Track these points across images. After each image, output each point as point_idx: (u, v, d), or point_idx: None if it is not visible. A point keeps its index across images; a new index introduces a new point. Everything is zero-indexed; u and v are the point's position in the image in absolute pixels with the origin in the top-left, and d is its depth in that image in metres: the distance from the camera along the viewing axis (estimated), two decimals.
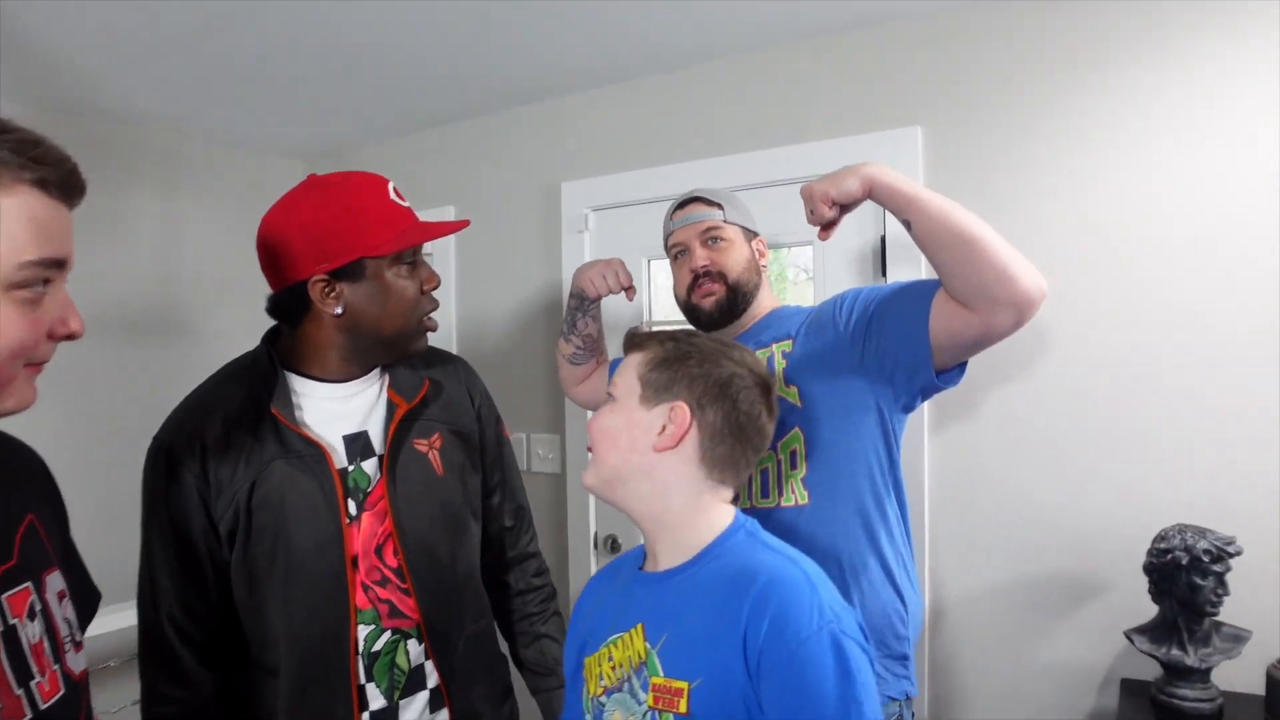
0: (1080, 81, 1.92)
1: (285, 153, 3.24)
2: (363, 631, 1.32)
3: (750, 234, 1.77)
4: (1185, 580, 1.64)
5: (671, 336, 1.16)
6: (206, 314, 3.00)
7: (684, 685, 0.98)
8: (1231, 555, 1.63)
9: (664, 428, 1.09)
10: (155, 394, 2.72)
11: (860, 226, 2.17)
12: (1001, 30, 2.00)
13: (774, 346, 1.64)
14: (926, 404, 1.64)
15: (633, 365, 1.14)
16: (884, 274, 2.13)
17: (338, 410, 1.37)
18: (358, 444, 1.37)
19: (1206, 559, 1.62)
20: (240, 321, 2.93)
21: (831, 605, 0.96)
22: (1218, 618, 1.67)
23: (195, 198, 3.00)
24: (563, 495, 2.69)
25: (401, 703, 1.36)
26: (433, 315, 1.40)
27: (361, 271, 1.29)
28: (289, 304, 1.33)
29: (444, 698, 1.40)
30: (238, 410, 1.31)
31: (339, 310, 1.30)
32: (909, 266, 2.09)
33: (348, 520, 1.31)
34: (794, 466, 1.55)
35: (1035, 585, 1.95)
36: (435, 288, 1.37)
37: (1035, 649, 1.96)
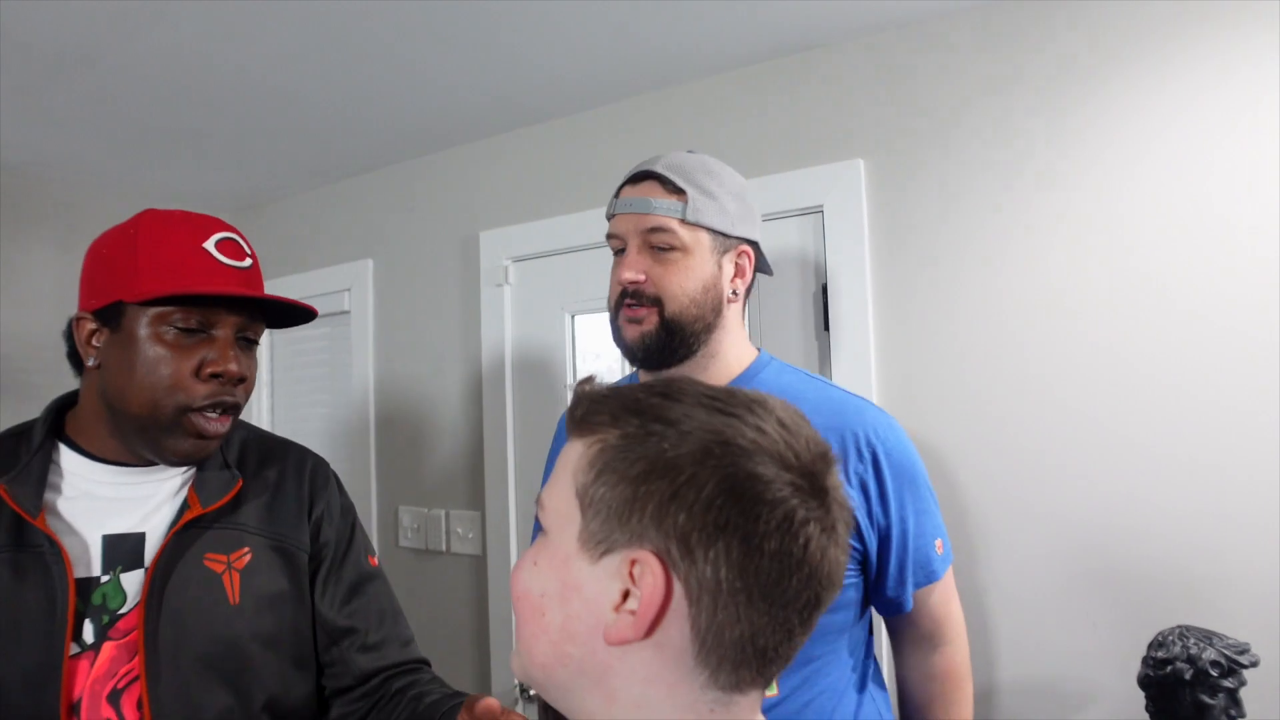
0: (1027, 112, 1.65)
1: (197, 206, 3.00)
2: None
3: (728, 242, 1.24)
4: (1189, 699, 1.32)
5: (635, 399, 0.63)
6: None
7: None
8: (1246, 667, 1.31)
9: (622, 599, 0.59)
10: None
11: (802, 271, 1.90)
12: (945, 60, 1.75)
13: None
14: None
15: (569, 464, 0.64)
16: (826, 327, 1.84)
17: (108, 500, 1.06)
18: (122, 549, 1.04)
19: (1216, 672, 1.30)
20: None
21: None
22: None
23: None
24: (484, 579, 2.37)
25: None
26: (212, 416, 1.04)
27: (119, 320, 1.02)
28: (70, 347, 1.10)
29: None
30: (18, 477, 1.03)
31: (93, 362, 1.04)
32: (852, 319, 1.81)
33: (75, 649, 0.98)
34: None
35: (1006, 689, 1.62)
36: (225, 376, 1.04)
37: None
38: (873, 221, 1.82)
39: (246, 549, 1.11)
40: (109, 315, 1.03)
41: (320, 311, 1.21)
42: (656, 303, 1.19)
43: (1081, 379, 1.60)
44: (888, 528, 1.18)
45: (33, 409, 2.60)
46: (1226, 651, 1.32)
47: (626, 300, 1.22)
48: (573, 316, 2.23)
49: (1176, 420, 1.52)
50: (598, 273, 2.18)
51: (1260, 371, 1.45)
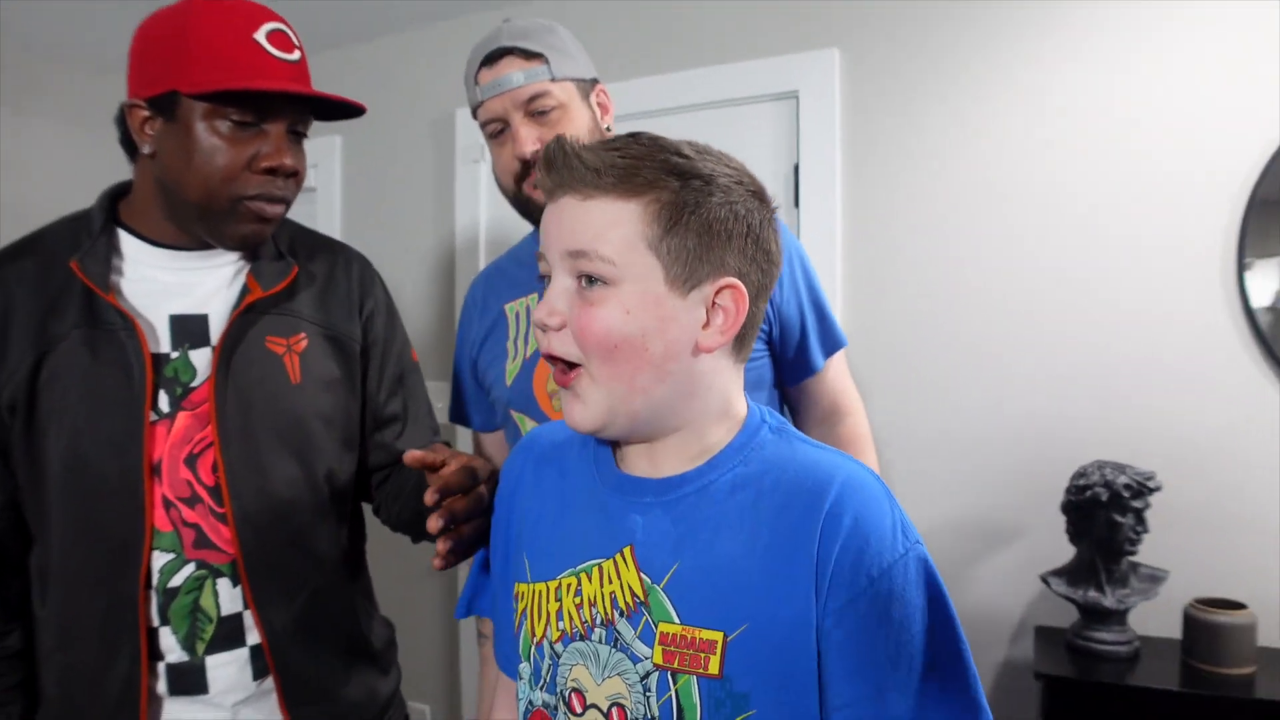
0: (997, 19, 1.81)
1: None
2: (158, 560, 1.06)
3: (587, 85, 1.33)
4: (1104, 518, 1.56)
5: (670, 170, 0.73)
6: None
7: (717, 636, 0.70)
8: (1151, 490, 1.55)
9: (708, 317, 0.73)
10: None
11: (775, 153, 2.04)
12: None
13: None
14: (847, 347, 1.49)
15: (627, 224, 0.72)
16: (796, 204, 2.00)
17: (169, 283, 1.11)
18: (189, 328, 1.11)
19: (1127, 494, 1.54)
20: None
21: (911, 524, 0.74)
22: (1135, 558, 1.60)
23: (14, 114, 2.66)
24: (453, 445, 2.49)
25: (209, 659, 1.08)
26: (268, 206, 1.08)
27: (173, 110, 1.05)
28: (123, 133, 1.11)
29: (268, 662, 1.11)
30: (38, 267, 1.07)
31: (148, 149, 1.07)
32: (822, 197, 1.97)
33: (154, 416, 1.06)
34: None
35: (950, 528, 1.85)
36: (279, 170, 1.07)
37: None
38: (844, 109, 1.97)
39: (303, 334, 1.17)
40: (163, 104, 1.04)
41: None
42: None
43: (1016, 259, 1.80)
44: (789, 304, 1.29)
45: None
46: (1136, 478, 1.56)
47: (531, 171, 1.24)
48: None
49: (1097, 290, 1.74)
50: None
51: (1180, 315, 1.68)
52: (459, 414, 1.50)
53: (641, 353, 0.72)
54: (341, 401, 1.21)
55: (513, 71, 1.26)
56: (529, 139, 1.25)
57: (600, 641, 0.75)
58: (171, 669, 1.08)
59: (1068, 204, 1.77)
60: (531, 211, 1.31)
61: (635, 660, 0.73)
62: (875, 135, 1.94)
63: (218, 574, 1.09)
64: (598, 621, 0.75)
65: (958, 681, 0.70)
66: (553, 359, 0.76)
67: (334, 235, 2.68)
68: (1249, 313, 1.65)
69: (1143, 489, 1.55)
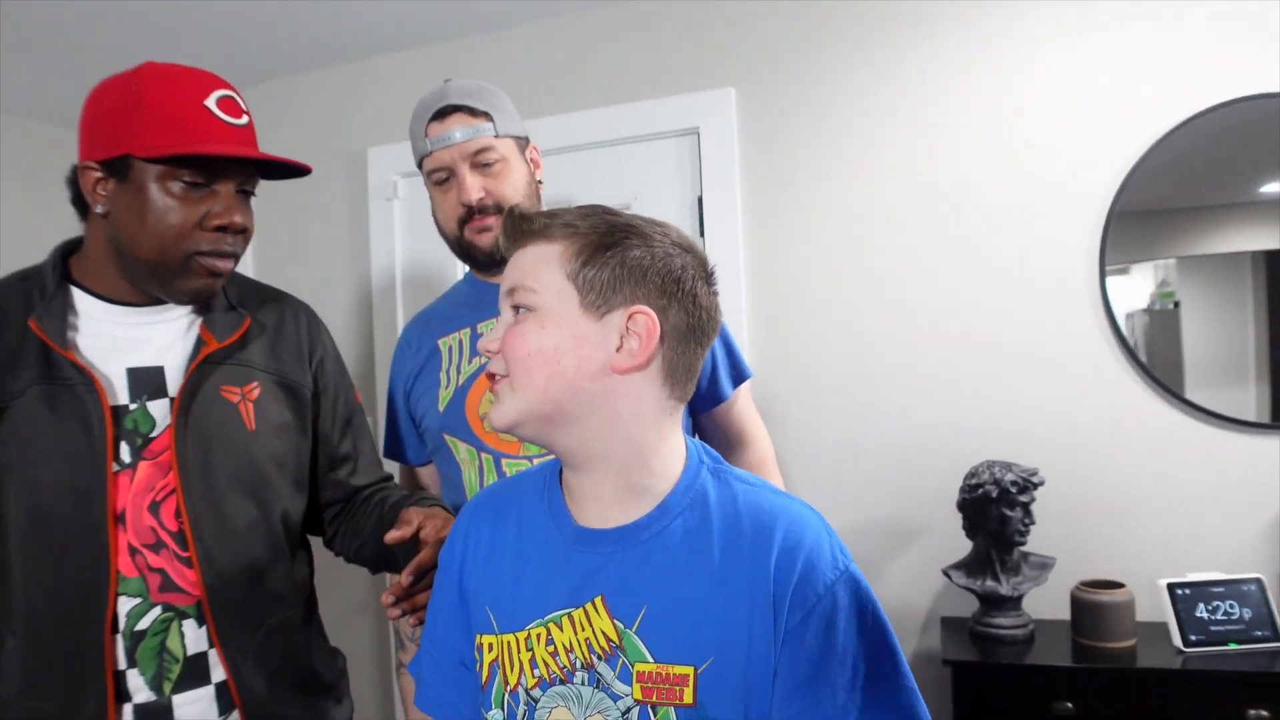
0: (894, 40, 1.97)
1: (56, 121, 2.87)
2: (125, 605, 1.10)
3: (523, 143, 1.47)
4: (996, 513, 1.70)
5: (584, 214, 0.86)
6: None
7: (688, 671, 0.78)
8: (1036, 485, 1.70)
9: (621, 341, 0.82)
10: None
11: (680, 186, 2.15)
12: None
13: None
14: (748, 356, 1.61)
15: (550, 261, 0.83)
16: (701, 233, 2.11)
17: (124, 339, 1.16)
18: (146, 381, 1.15)
19: (1014, 490, 1.69)
20: None
21: (845, 548, 0.83)
22: (1025, 547, 1.75)
23: None
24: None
25: (176, 697, 1.13)
26: (219, 261, 1.14)
27: (126, 172, 1.10)
28: (75, 193, 1.16)
29: (234, 698, 1.16)
30: (49, 315, 1.12)
31: (101, 209, 1.12)
32: (725, 226, 2.09)
33: (116, 467, 1.11)
34: None
35: (860, 530, 1.98)
36: (229, 228, 1.13)
37: None
38: (742, 143, 2.10)
39: (256, 383, 1.22)
40: (116, 166, 1.09)
41: None
42: (498, 209, 1.38)
43: (906, 279, 1.96)
44: None
45: None
46: (1022, 475, 1.70)
47: (474, 217, 1.39)
48: None
49: (980, 305, 1.90)
50: None
51: (1059, 317, 1.86)
52: (393, 449, 1.57)
53: (554, 364, 0.81)
54: (293, 445, 1.27)
55: (461, 127, 1.39)
56: (475, 187, 1.38)
57: (583, 684, 0.82)
58: (139, 709, 1.11)
59: (952, 225, 1.93)
60: (471, 254, 1.43)
61: (615, 698, 0.80)
62: (771, 167, 2.08)
63: (183, 615, 1.14)
64: (578, 666, 0.82)
65: (896, 680, 0.81)
66: (491, 376, 0.87)
67: (248, 272, 2.68)
68: (1111, 319, 1.83)
69: (1028, 484, 1.69)
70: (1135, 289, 1.87)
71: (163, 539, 1.13)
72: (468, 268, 1.54)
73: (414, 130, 1.44)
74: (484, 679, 0.88)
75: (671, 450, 0.87)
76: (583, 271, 0.82)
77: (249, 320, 1.24)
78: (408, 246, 2.46)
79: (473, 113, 1.40)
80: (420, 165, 1.45)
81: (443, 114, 1.40)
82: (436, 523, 1.12)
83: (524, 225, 0.86)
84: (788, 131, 2.06)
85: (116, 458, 1.11)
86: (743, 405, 1.53)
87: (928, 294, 1.95)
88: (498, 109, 1.42)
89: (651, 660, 0.79)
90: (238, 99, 1.16)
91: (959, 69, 1.93)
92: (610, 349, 0.82)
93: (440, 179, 1.42)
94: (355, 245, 2.54)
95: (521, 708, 0.84)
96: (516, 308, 0.84)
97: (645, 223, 0.86)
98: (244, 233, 1.17)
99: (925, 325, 1.95)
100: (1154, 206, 1.84)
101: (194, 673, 1.14)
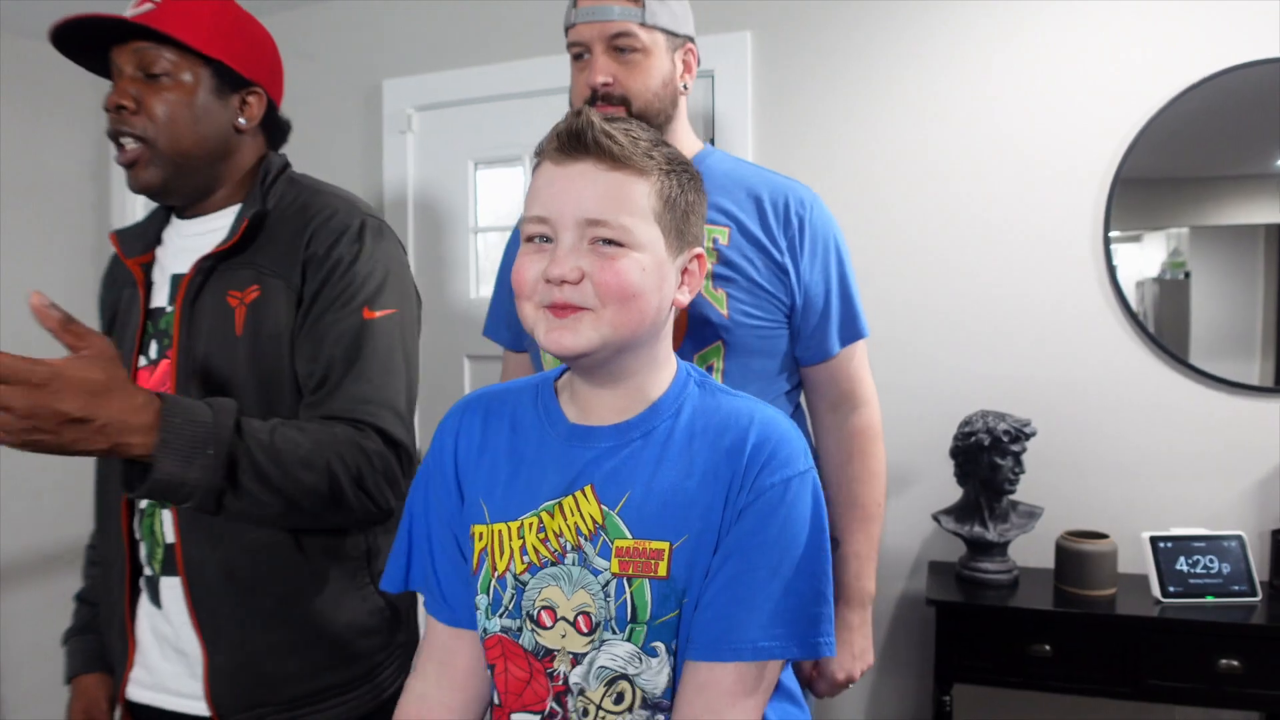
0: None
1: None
2: None
3: (677, 40, 1.36)
4: (987, 461, 1.74)
5: (655, 143, 0.88)
6: None
7: (664, 546, 0.85)
8: (1028, 435, 1.74)
9: (683, 279, 0.90)
10: None
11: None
12: None
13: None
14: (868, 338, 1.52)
15: (643, 197, 0.85)
16: (712, 141, 2.12)
17: (181, 247, 1.24)
18: (176, 286, 1.20)
19: (1006, 439, 1.72)
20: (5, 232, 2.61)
21: (810, 456, 0.89)
22: (1014, 496, 1.79)
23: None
24: None
25: (164, 579, 1.15)
26: (121, 146, 1.15)
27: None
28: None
29: (188, 605, 1.12)
30: (132, 230, 1.30)
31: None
32: (737, 133, 2.11)
33: (143, 361, 1.19)
34: None
35: None
36: (107, 107, 1.15)
37: None
38: (757, 91, 2.10)
39: (254, 286, 1.16)
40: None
41: None
42: (624, 101, 1.31)
43: (912, 233, 1.97)
44: (815, 283, 1.33)
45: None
46: (1015, 425, 1.74)
47: (597, 103, 1.31)
48: (476, 165, 2.40)
49: (984, 260, 1.92)
50: (504, 124, 2.35)
51: (1056, 271, 1.87)
52: (493, 328, 1.57)
53: (647, 306, 0.85)
54: (285, 356, 1.17)
55: (610, 4, 1.31)
56: (602, 70, 1.31)
57: (573, 564, 0.87)
58: (147, 581, 1.19)
59: (959, 182, 1.94)
60: None
61: (596, 573, 0.86)
62: (785, 114, 2.08)
63: (164, 505, 1.15)
64: (568, 548, 0.87)
65: (817, 587, 0.86)
66: (562, 308, 0.84)
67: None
68: (1114, 279, 1.85)
69: (1020, 434, 1.73)
70: (1147, 257, 1.88)
71: None
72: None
73: (568, 4, 1.38)
74: (474, 566, 0.93)
75: (669, 362, 0.94)
76: (666, 213, 0.86)
77: (247, 222, 1.17)
78: (420, 179, 2.47)
79: None
80: (566, 34, 1.38)
81: None
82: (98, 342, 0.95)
83: (614, 147, 0.84)
84: (803, 79, 2.06)
85: (145, 353, 1.19)
86: (850, 363, 1.41)
87: (933, 248, 1.97)
88: None
89: (630, 537, 0.86)
90: None
91: (970, 30, 1.92)
92: (674, 286, 0.89)
93: (576, 54, 1.36)
94: (369, 177, 2.55)
95: (509, 591, 0.89)
96: (601, 240, 0.83)
97: (678, 151, 0.90)
98: (122, 112, 1.14)
99: (931, 279, 1.97)
100: (1167, 175, 1.84)
101: (171, 562, 1.15)
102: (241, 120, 1.23)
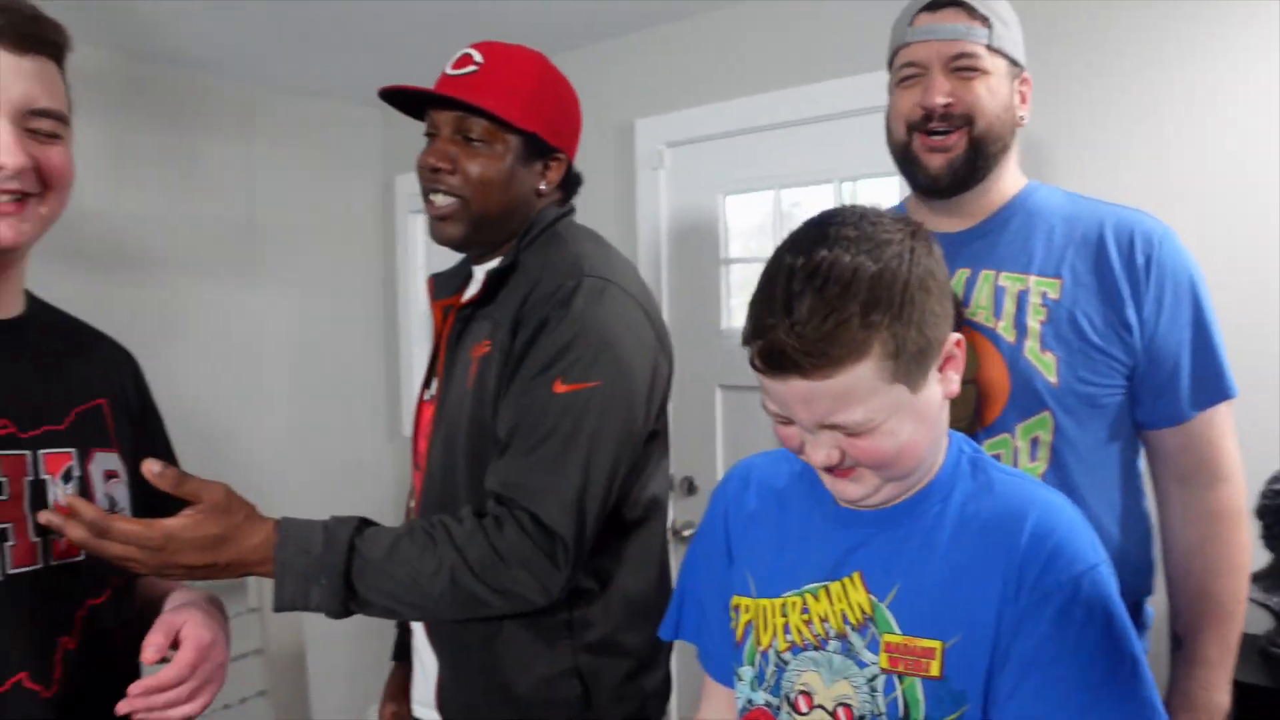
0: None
1: (361, 101, 3.21)
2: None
3: (1015, 69, 1.26)
4: None
5: (878, 305, 0.76)
6: (280, 259, 3.02)
7: (935, 645, 0.81)
8: None
9: (944, 377, 0.85)
10: (231, 331, 2.72)
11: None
12: None
13: (1030, 280, 1.20)
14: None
15: (870, 380, 0.77)
16: None
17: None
18: None
19: None
20: (310, 269, 2.99)
21: (1100, 545, 0.84)
22: None
23: (270, 146, 3.01)
24: None
25: None
26: (429, 200, 1.26)
27: None
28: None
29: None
30: (445, 274, 1.44)
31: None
32: None
33: (427, 395, 1.34)
34: (1033, 459, 1.20)
35: None
36: (423, 167, 1.25)
37: None
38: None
39: (486, 341, 1.22)
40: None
41: None
42: (966, 122, 1.20)
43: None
44: (1163, 335, 1.19)
45: (214, 290, 2.97)
46: None
47: (930, 126, 1.22)
48: (725, 197, 2.44)
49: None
50: (749, 157, 2.38)
51: None
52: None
53: (915, 449, 0.84)
54: (489, 411, 1.21)
55: (953, 24, 1.22)
56: (941, 90, 1.21)
57: (835, 652, 0.87)
58: None
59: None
60: (910, 165, 1.27)
61: (862, 665, 0.85)
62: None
63: None
64: (831, 634, 0.87)
65: (1133, 688, 0.79)
66: (839, 474, 0.85)
67: None
68: None
69: None
70: None
71: (420, 464, 1.33)
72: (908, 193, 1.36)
73: (898, 22, 1.30)
74: (738, 636, 0.95)
75: (944, 442, 0.90)
76: (902, 366, 0.78)
77: (487, 278, 1.25)
78: (673, 213, 2.55)
79: (971, 13, 1.22)
80: (891, 62, 1.30)
81: (937, 5, 1.24)
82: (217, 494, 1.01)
83: (821, 361, 0.75)
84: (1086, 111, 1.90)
85: (428, 386, 1.35)
86: (1212, 432, 1.23)
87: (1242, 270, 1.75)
88: (1000, 18, 1.24)
89: (899, 632, 0.84)
90: (473, 52, 1.27)
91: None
92: (940, 393, 0.85)
93: (907, 75, 1.26)
94: (623, 214, 2.66)
95: (771, 667, 0.91)
96: (843, 432, 0.80)
97: (867, 252, 0.78)
98: (439, 172, 1.23)
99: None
100: None
101: None
102: (543, 185, 1.31)
